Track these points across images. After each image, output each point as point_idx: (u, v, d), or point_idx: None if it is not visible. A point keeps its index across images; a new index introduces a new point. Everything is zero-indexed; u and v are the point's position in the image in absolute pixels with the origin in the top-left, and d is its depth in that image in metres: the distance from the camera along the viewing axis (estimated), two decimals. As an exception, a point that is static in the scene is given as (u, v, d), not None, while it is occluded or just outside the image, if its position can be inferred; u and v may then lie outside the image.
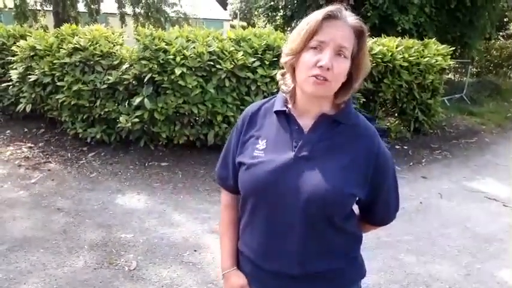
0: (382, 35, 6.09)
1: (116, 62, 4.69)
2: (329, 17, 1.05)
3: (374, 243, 3.10)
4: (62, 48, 4.81)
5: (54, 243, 3.09)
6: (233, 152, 1.25)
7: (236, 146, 1.23)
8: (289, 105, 1.16)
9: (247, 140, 1.20)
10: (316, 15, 1.06)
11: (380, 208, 1.22)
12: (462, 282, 2.85)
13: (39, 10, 12.93)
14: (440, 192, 4.49)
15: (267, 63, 4.53)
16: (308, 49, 1.06)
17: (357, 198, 1.15)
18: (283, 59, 1.13)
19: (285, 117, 1.16)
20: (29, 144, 5.21)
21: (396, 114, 6.51)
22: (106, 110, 4.63)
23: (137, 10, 13.85)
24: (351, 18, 1.08)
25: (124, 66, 4.59)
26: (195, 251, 3.09)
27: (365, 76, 1.14)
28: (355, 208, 1.22)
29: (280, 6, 11.60)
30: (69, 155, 4.91)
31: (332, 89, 1.08)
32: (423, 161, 5.60)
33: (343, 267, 1.19)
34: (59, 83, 4.75)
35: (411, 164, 5.43)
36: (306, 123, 1.14)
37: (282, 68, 1.18)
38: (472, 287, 2.81)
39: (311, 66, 1.04)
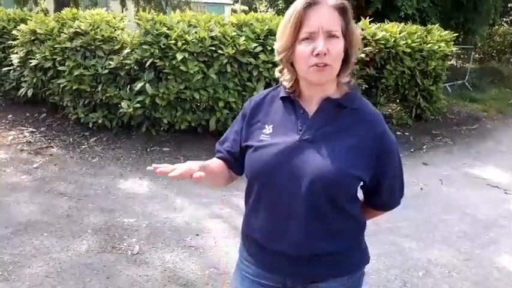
0: (385, 21, 6.03)
1: (117, 47, 4.67)
2: (309, 5, 1.06)
3: (374, 229, 3.13)
4: (62, 32, 4.79)
5: (57, 227, 3.12)
6: (235, 133, 1.27)
7: (240, 130, 1.26)
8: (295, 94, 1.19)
9: (253, 126, 1.23)
10: (296, 6, 1.07)
11: (384, 192, 1.24)
12: (461, 268, 2.88)
13: (39, -7, 12.81)
14: (441, 178, 4.51)
15: (269, 48, 4.50)
16: (300, 41, 1.07)
17: (362, 183, 1.16)
18: (278, 57, 1.15)
19: (291, 103, 1.19)
20: (31, 129, 5.22)
21: (398, 101, 6.50)
22: (107, 95, 4.63)
23: (138, -6, 13.72)
24: None
25: (125, 51, 4.56)
26: (197, 235, 3.12)
27: (359, 47, 1.16)
28: (359, 194, 1.23)
29: (282, -9, 11.48)
30: (71, 139, 4.93)
31: (335, 71, 1.10)
32: (424, 147, 5.61)
33: (347, 251, 1.21)
34: (60, 68, 4.74)
35: (412, 150, 5.44)
36: (311, 107, 1.16)
37: (279, 65, 1.19)
38: (471, 272, 2.84)
39: (308, 57, 1.06)
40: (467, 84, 9.96)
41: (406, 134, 5.95)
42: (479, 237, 3.32)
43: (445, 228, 3.44)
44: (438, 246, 3.14)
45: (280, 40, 1.12)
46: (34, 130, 5.19)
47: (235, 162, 1.27)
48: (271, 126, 1.19)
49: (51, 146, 4.77)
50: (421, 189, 4.18)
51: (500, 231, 3.43)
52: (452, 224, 3.51)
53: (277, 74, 1.22)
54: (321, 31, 1.05)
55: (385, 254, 2.98)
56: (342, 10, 1.08)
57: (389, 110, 6.50)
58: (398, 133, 5.85)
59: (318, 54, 1.04)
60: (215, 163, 1.27)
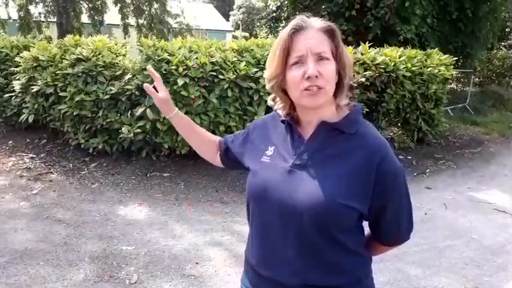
0: (385, 45, 6.08)
1: (118, 73, 4.69)
2: (296, 30, 1.06)
3: (379, 256, 3.04)
4: (65, 59, 4.82)
5: (54, 256, 3.05)
6: (235, 135, 1.38)
7: (243, 143, 1.31)
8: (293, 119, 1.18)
9: (256, 146, 1.24)
10: (284, 34, 1.07)
11: (389, 226, 1.16)
12: (470, 296, 2.80)
13: (43, 21, 13.03)
14: (445, 203, 4.44)
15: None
16: (290, 67, 1.07)
17: (362, 214, 1.09)
18: (269, 85, 1.15)
19: (289, 126, 1.18)
20: (31, 155, 5.20)
21: (399, 124, 6.48)
22: (108, 120, 4.62)
23: (140, 21, 13.94)
24: (317, 22, 1.08)
25: (127, 77, 4.58)
26: (196, 263, 3.05)
27: (352, 69, 1.14)
28: (366, 227, 1.18)
29: (282, 18, 11.65)
30: (71, 165, 4.89)
31: (328, 93, 1.08)
32: (427, 171, 5.55)
33: (343, 285, 1.13)
34: (61, 94, 4.74)
35: (415, 174, 5.38)
36: (307, 132, 1.14)
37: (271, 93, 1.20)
38: (480, 300, 2.75)
39: (299, 81, 1.05)
40: (468, 107, 9.98)
41: (409, 157, 5.90)
42: (487, 263, 3.23)
43: (452, 254, 3.35)
44: (445, 274, 3.05)
45: (270, 68, 1.12)
46: (34, 156, 5.17)
47: (224, 151, 1.39)
48: (273, 148, 1.19)
49: (51, 172, 4.73)
50: (425, 214, 4.10)
51: (508, 258, 3.34)
52: (458, 250, 3.43)
53: (269, 103, 1.22)
54: (310, 54, 1.04)
55: (391, 281, 2.90)
56: (329, 32, 1.07)
57: (391, 134, 6.47)
58: (401, 157, 5.81)
59: (309, 78, 1.03)
60: (203, 130, 1.45)
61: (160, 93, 1.36)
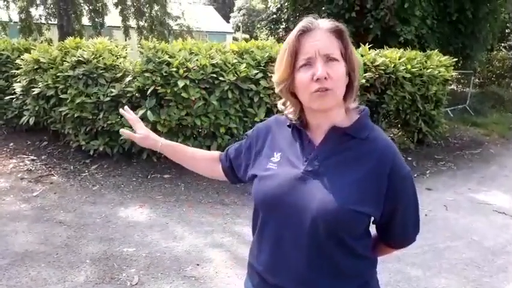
0: (384, 47, 6.09)
1: (119, 75, 4.70)
2: (303, 32, 1.04)
3: (379, 257, 3.04)
4: (65, 61, 4.83)
5: (55, 258, 3.06)
6: (238, 147, 1.33)
7: (245, 149, 1.28)
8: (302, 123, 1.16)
9: (261, 152, 1.20)
10: (291, 36, 1.06)
11: (397, 229, 1.16)
12: (470, 297, 2.80)
13: (44, 24, 13.05)
14: (445, 204, 4.44)
15: (270, 75, 4.52)
16: (298, 69, 1.05)
17: (372, 218, 1.10)
18: (278, 88, 1.13)
19: (298, 131, 1.15)
20: (32, 157, 5.20)
21: (399, 126, 6.48)
22: (109, 122, 4.63)
23: (141, 23, 13.96)
24: (325, 22, 1.06)
25: (127, 79, 4.59)
26: (197, 265, 3.05)
27: (360, 71, 1.13)
28: (372, 230, 1.17)
29: (282, 19, 11.67)
30: (71, 167, 4.90)
31: (338, 96, 1.06)
32: (427, 172, 5.56)
33: None
34: (62, 96, 4.76)
35: (415, 175, 5.38)
36: (317, 137, 1.11)
37: (280, 97, 1.17)
38: (481, 301, 2.75)
39: (309, 83, 1.03)
40: (468, 108, 9.99)
41: (409, 159, 5.91)
42: (487, 264, 3.23)
43: (452, 255, 3.35)
44: (445, 275, 3.06)
45: (278, 71, 1.10)
46: (35, 158, 5.18)
47: (228, 167, 1.36)
48: (280, 154, 1.15)
49: (52, 174, 4.74)
50: (426, 215, 4.11)
51: (508, 259, 3.34)
52: (459, 251, 3.43)
53: (280, 107, 1.19)
54: (318, 55, 1.02)
55: (392, 282, 2.90)
56: (338, 33, 1.05)
57: (391, 135, 6.48)
58: (401, 158, 5.80)
59: (318, 79, 1.00)
60: (199, 150, 1.48)
61: (137, 134, 1.43)
